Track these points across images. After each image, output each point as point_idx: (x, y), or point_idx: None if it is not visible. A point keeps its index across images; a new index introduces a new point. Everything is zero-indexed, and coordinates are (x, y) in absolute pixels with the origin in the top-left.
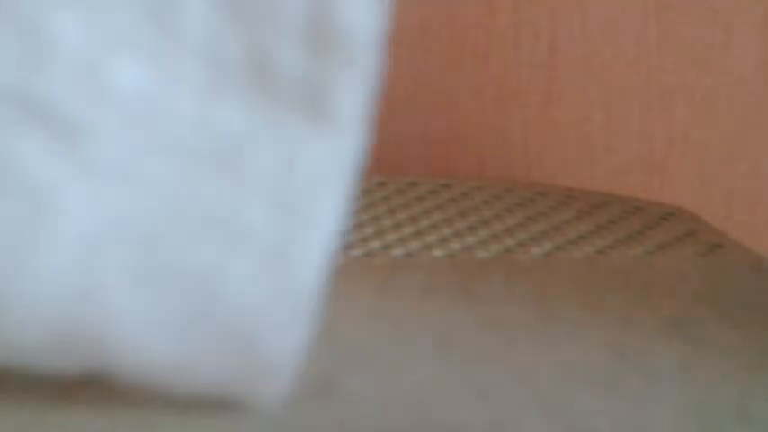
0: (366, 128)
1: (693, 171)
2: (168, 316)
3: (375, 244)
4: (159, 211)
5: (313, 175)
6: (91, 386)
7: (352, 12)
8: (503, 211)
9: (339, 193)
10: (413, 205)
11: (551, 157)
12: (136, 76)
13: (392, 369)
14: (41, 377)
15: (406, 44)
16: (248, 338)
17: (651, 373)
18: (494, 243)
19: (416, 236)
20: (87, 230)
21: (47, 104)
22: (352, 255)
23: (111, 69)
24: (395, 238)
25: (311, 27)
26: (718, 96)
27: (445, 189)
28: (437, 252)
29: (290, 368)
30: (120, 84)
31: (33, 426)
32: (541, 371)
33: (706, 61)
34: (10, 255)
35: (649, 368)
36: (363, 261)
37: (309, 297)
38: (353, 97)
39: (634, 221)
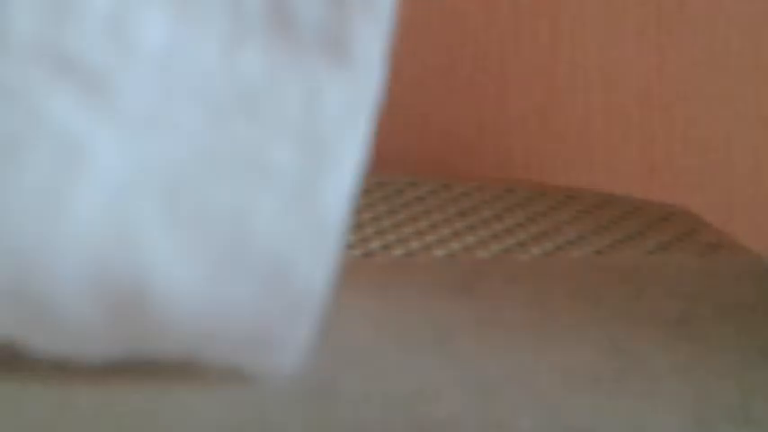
0: (385, 68)
1: (693, 171)
2: (200, 255)
3: (375, 244)
4: (188, 155)
5: (335, 115)
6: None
7: None
8: (503, 211)
9: (361, 131)
10: (413, 205)
11: (551, 157)
12: (162, 28)
13: (392, 369)
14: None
15: (407, 44)
16: (278, 273)
17: (651, 373)
18: (494, 243)
19: (416, 236)
20: (119, 177)
21: (77, 59)
22: (352, 255)
23: (138, 23)
24: (395, 238)
25: None
26: (718, 96)
27: (445, 189)
28: (437, 252)
29: (318, 303)
30: (146, 37)
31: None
32: (541, 371)
33: (706, 61)
34: (46, 201)
35: (649, 368)
36: (363, 261)
37: (336, 232)
38: (372, 39)
39: (634, 221)
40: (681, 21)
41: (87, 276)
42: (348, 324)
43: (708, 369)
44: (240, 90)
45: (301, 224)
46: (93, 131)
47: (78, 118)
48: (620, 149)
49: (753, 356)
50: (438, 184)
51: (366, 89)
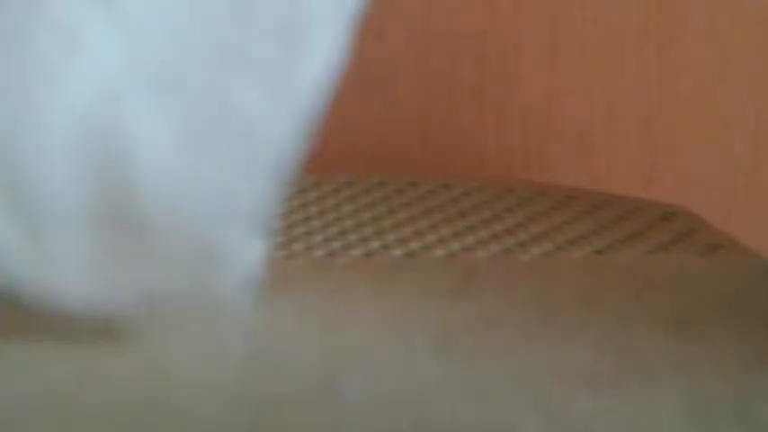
0: None
1: (693, 171)
2: (180, 124)
3: (375, 244)
4: (177, 51)
5: (314, 15)
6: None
7: None
8: (503, 211)
9: (338, 30)
10: (413, 205)
11: (551, 157)
12: None
13: (392, 369)
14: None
15: (407, 44)
16: (246, 132)
17: (651, 373)
18: (494, 243)
19: (416, 236)
20: (112, 65)
21: None
22: (352, 255)
23: None
24: (395, 238)
25: None
26: (718, 97)
27: (445, 189)
28: (437, 252)
29: (279, 162)
30: None
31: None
32: (541, 371)
33: (706, 61)
34: (42, 80)
35: (649, 368)
36: (363, 261)
37: (304, 111)
38: None
39: (634, 221)
40: (680, 21)
41: (75, 142)
42: (348, 324)
43: (708, 369)
44: None
45: (273, 99)
46: (91, 24)
47: (79, 12)
48: (620, 149)
49: (753, 356)
50: (438, 184)
51: None
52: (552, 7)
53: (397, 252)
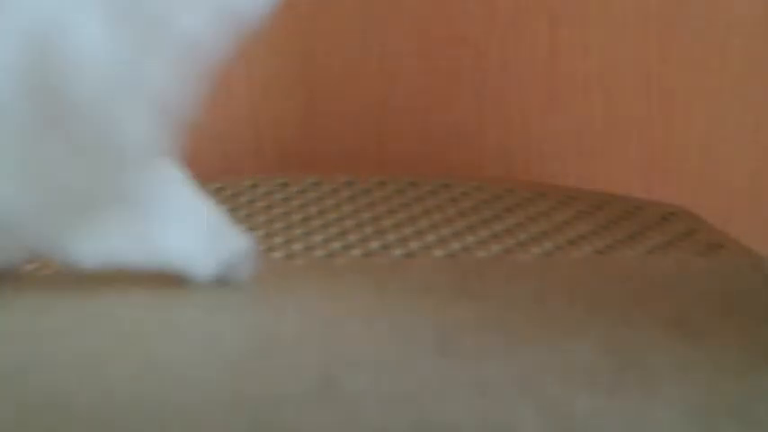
0: None
1: (693, 171)
2: (106, 17)
3: (375, 244)
4: None
5: None
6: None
7: None
8: (503, 211)
9: None
10: (413, 205)
11: (551, 157)
12: None
13: (392, 369)
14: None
15: (407, 44)
16: (165, 25)
17: (651, 373)
18: (494, 243)
19: (416, 236)
20: None
21: None
22: (352, 255)
23: None
24: (395, 238)
25: None
26: (718, 97)
27: (445, 189)
28: (437, 252)
29: (204, 60)
30: None
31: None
32: (541, 371)
33: (706, 62)
34: None
35: (649, 368)
36: (363, 261)
37: (239, 25)
38: None
39: (634, 221)
40: (681, 21)
41: (24, 56)
42: (348, 324)
43: (708, 369)
44: None
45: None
46: None
47: None
48: (620, 149)
49: (752, 356)
50: (438, 184)
51: None
52: (552, 7)
53: (397, 252)
